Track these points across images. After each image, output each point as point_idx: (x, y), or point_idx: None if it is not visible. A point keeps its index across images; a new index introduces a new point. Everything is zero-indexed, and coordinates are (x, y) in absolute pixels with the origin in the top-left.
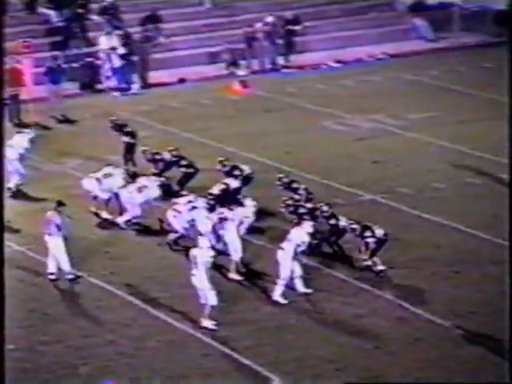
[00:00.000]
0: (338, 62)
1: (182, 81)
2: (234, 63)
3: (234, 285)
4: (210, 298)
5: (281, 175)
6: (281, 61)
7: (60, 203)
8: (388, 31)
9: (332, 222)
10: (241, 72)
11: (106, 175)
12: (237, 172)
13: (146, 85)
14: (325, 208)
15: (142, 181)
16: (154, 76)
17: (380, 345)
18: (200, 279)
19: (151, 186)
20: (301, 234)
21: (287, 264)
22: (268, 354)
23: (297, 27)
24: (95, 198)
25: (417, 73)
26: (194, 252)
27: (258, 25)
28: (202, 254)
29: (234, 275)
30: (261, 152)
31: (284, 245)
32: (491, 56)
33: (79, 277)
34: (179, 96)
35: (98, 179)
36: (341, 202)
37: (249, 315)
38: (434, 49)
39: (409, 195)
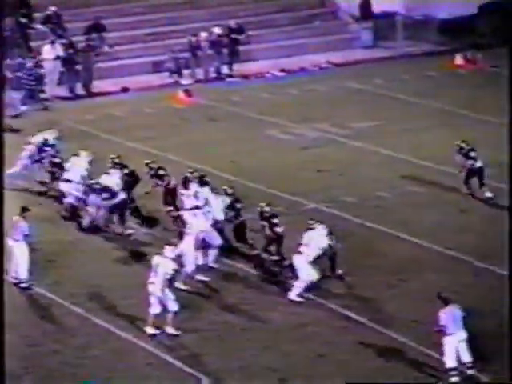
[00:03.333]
0: (283, 70)
1: (125, 90)
2: (177, 72)
3: (178, 294)
4: (170, 304)
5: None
6: (225, 70)
7: (25, 209)
8: (332, 40)
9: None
10: (185, 81)
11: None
12: (162, 172)
13: (89, 94)
14: (267, 209)
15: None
16: (97, 85)
17: (324, 353)
18: (158, 287)
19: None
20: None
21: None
22: (212, 363)
23: (241, 36)
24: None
25: (361, 81)
26: (156, 260)
27: (203, 34)
28: (165, 264)
29: (180, 285)
30: (205, 161)
31: (302, 249)
32: (435, 65)
33: (32, 285)
34: (123, 105)
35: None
36: (285, 211)
37: (193, 324)
38: (378, 58)
39: (353, 204)
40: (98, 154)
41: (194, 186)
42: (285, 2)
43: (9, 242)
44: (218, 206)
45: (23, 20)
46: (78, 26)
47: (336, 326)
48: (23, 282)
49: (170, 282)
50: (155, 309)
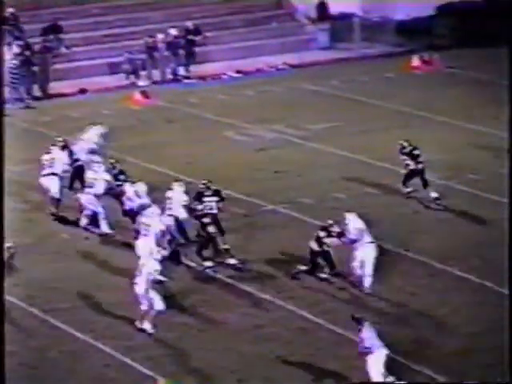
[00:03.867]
0: (239, 72)
1: (82, 91)
2: (134, 74)
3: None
4: (155, 304)
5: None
6: (182, 71)
7: None
8: (289, 41)
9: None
10: (141, 82)
11: None
12: (122, 177)
13: (46, 95)
14: (199, 207)
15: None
16: (54, 86)
17: (281, 354)
18: (141, 287)
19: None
20: None
21: None
22: (169, 365)
23: (197, 37)
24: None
25: (318, 83)
26: (142, 260)
27: (159, 35)
28: (150, 264)
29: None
30: (162, 162)
31: None
32: (392, 66)
33: None
34: (80, 106)
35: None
36: (242, 212)
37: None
38: (335, 59)
39: (310, 205)
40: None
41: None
42: (241, 3)
43: None
44: (178, 204)
45: None
46: (36, 28)
47: (293, 328)
48: None
49: (154, 283)
50: (143, 306)
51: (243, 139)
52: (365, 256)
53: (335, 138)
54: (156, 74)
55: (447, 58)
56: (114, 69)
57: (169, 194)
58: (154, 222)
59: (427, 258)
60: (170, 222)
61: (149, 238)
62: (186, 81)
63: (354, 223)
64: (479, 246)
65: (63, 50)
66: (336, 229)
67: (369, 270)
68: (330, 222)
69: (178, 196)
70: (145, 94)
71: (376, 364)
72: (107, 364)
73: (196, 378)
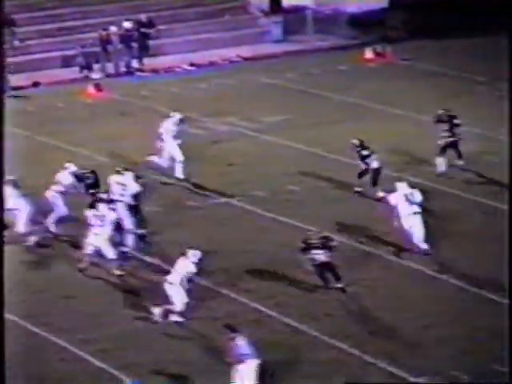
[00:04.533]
0: (193, 65)
1: (36, 84)
2: (88, 67)
3: (95, 285)
4: (176, 299)
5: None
6: (135, 64)
7: None
8: (242, 34)
9: None
10: (95, 75)
11: None
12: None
13: None
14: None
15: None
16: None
17: None
18: (174, 287)
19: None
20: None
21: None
22: (124, 358)
23: (151, 30)
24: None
25: (271, 76)
26: (179, 262)
27: (113, 28)
28: (186, 265)
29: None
30: (116, 155)
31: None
32: (345, 58)
33: None
34: (34, 100)
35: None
36: (195, 205)
37: (106, 319)
38: (288, 52)
39: (263, 198)
40: (8, 150)
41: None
42: None
43: None
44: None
45: None
46: None
47: (248, 320)
48: None
49: (187, 282)
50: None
51: (197, 132)
52: (413, 224)
53: (289, 130)
54: (109, 67)
55: (400, 51)
56: (67, 62)
57: (119, 180)
58: (106, 211)
59: (382, 251)
60: (123, 209)
61: (104, 228)
62: (140, 74)
63: (404, 191)
64: (432, 238)
65: (16, 43)
66: (316, 239)
67: (419, 236)
68: (309, 232)
69: (130, 184)
70: (98, 87)
71: (248, 373)
72: (62, 358)
73: (150, 371)
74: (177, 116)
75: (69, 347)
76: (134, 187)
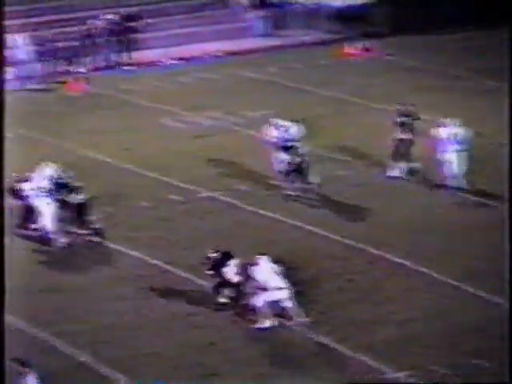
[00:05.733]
0: (175, 59)
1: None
2: (70, 60)
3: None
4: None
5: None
6: (118, 58)
7: None
8: (225, 29)
9: None
10: (78, 69)
11: None
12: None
13: None
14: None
15: None
16: None
17: (215, 341)
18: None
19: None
20: None
21: None
22: (103, 351)
23: (134, 24)
24: None
25: (254, 70)
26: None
27: (96, 21)
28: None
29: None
30: (99, 149)
31: None
32: (328, 53)
33: None
34: (16, 93)
35: None
36: (178, 199)
37: (84, 313)
38: (271, 46)
39: (246, 192)
40: None
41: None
42: None
43: None
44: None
45: None
46: None
47: (227, 315)
48: None
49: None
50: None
51: (179, 126)
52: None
53: None
54: (92, 61)
55: (383, 46)
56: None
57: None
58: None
59: (364, 245)
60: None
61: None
62: (122, 67)
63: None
64: (413, 233)
65: None
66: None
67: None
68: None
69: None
70: (80, 80)
71: None
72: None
73: (130, 365)
74: None
75: (48, 339)
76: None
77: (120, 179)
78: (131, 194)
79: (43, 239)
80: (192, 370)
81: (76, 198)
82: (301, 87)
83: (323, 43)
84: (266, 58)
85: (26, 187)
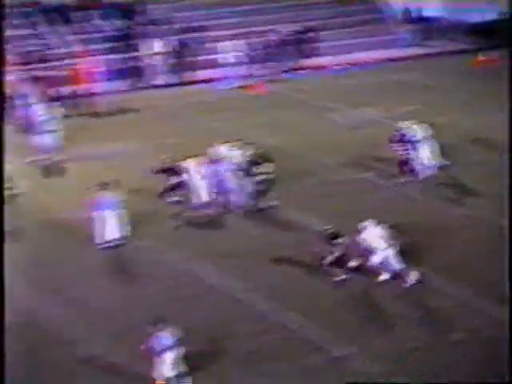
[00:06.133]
0: (340, 65)
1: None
2: (264, 64)
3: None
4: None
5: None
6: (295, 63)
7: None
8: (381, 40)
9: None
10: (259, 72)
11: None
12: None
13: None
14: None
15: None
16: None
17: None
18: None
19: None
20: None
21: None
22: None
23: (312, 35)
24: None
25: (402, 74)
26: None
27: (281, 32)
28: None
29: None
30: (277, 138)
31: None
32: (464, 62)
33: None
34: (221, 90)
35: None
36: (339, 179)
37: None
38: (417, 55)
39: (393, 174)
40: None
41: None
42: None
43: None
44: None
45: None
46: None
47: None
48: None
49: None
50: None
51: (341, 120)
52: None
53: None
54: (272, 66)
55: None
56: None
57: None
58: None
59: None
60: None
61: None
62: (298, 71)
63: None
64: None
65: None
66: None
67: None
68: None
69: None
70: (263, 82)
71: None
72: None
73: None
74: None
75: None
76: None
77: (293, 162)
78: (301, 174)
79: (195, 208)
80: None
81: (262, 175)
82: (439, 88)
83: (461, 52)
84: (412, 65)
85: (190, 166)
